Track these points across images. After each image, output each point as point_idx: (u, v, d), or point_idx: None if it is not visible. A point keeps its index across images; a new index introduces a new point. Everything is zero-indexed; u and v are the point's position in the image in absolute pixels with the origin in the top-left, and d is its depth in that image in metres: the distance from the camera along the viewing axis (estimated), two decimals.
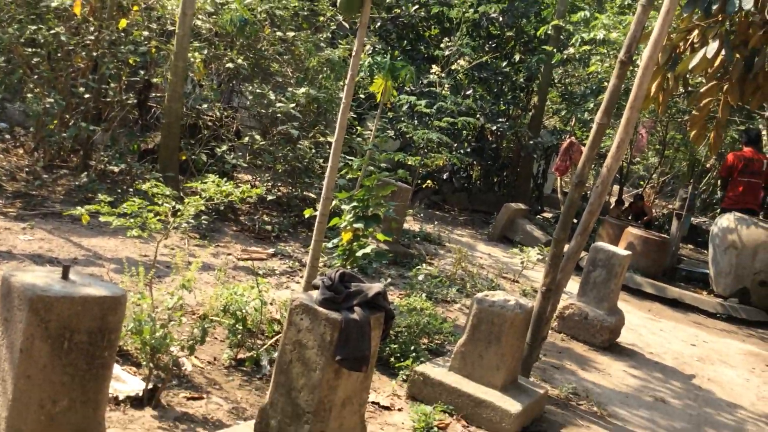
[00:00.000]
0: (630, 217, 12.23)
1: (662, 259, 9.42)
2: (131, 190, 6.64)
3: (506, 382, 4.17)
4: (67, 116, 7.24)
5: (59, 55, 7.30)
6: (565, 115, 12.77)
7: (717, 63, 5.82)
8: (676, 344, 6.61)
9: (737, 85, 6.17)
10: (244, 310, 4.12)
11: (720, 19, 5.93)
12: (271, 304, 4.53)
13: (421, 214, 10.36)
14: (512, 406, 3.93)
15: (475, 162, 12.07)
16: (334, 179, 4.56)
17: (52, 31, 6.92)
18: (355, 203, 5.00)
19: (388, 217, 5.73)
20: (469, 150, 11.18)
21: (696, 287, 9.28)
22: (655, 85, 6.20)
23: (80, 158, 7.37)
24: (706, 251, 10.81)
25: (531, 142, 11.99)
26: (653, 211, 14.61)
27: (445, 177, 12.35)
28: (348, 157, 6.42)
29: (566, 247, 4.76)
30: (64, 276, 2.48)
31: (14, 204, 5.95)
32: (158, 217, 3.84)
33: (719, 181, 11.15)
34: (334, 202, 5.30)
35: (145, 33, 7.60)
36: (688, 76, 6.31)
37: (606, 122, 4.71)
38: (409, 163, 7.86)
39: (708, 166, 15.62)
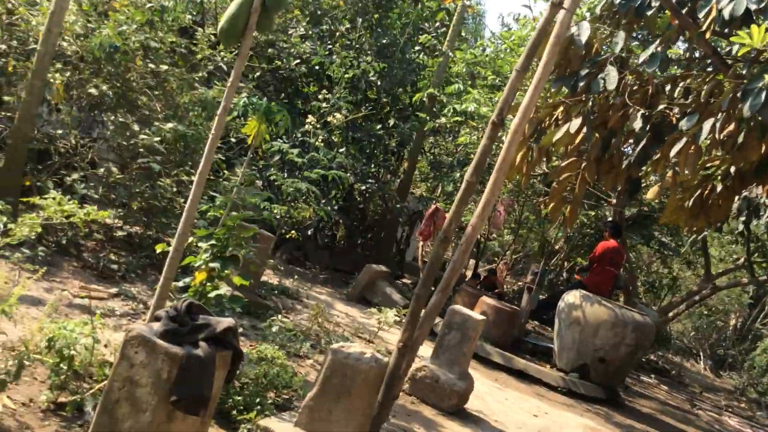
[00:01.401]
0: (484, 290, 12.60)
1: (511, 330, 9.71)
2: None
3: None
4: None
5: None
6: (431, 183, 13.14)
7: (578, 140, 6.19)
8: (520, 414, 6.72)
9: (594, 163, 6.59)
10: (72, 349, 3.69)
11: (584, 98, 6.36)
12: (105, 345, 4.10)
13: (282, 268, 10.10)
14: None
15: (340, 221, 12.03)
16: (194, 213, 4.29)
17: None
18: (213, 241, 4.72)
19: (247, 261, 5.47)
20: (336, 207, 11.15)
21: (540, 360, 9.59)
22: (519, 156, 6.48)
23: None
24: (550, 328, 11.29)
25: (398, 206, 12.17)
26: (504, 286, 15.19)
27: (309, 233, 12.20)
28: (219, 196, 6.12)
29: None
30: None
31: None
32: None
33: (586, 264, 11.73)
34: (190, 239, 5.00)
35: (3, 46, 7.01)
36: (551, 150, 6.65)
37: (475, 180, 4.79)
38: (275, 212, 7.66)
39: (557, 247, 16.56)
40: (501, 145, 4.98)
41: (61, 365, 3.63)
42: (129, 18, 8.04)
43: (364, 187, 11.45)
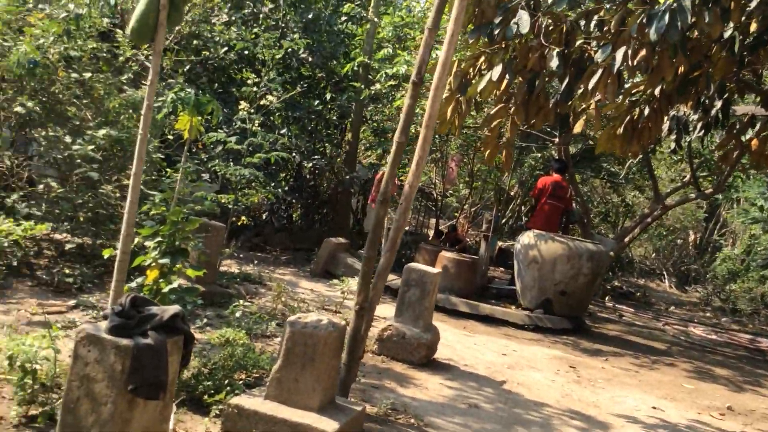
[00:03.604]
0: (448, 246, 12.86)
1: (474, 280, 9.97)
2: None
3: (323, 403, 4.15)
4: None
5: None
6: (376, 150, 13.26)
7: (503, 86, 6.36)
8: (489, 355, 6.98)
9: (522, 107, 6.78)
10: (33, 362, 3.76)
11: (504, 45, 6.51)
12: (69, 356, 4.17)
13: (241, 255, 10.17)
14: (329, 425, 3.91)
15: (294, 201, 12.11)
16: (134, 214, 4.37)
17: None
18: (159, 238, 4.80)
19: (197, 252, 5.56)
20: (287, 188, 11.22)
21: (506, 303, 9.89)
22: (449, 109, 6.63)
23: None
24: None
25: (347, 177, 12.29)
26: (467, 239, 15.48)
27: (264, 218, 12.26)
28: (158, 194, 6.15)
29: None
30: None
31: None
32: None
33: (532, 202, 12.04)
34: (136, 240, 5.06)
35: None
36: (478, 99, 6.80)
37: (404, 140, 4.94)
38: (223, 201, 7.72)
39: (512, 193, 16.89)
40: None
41: (26, 380, 3.70)
42: (45, 31, 7.92)
43: (311, 164, 11.52)
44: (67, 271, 6.74)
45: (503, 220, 16.66)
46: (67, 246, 6.82)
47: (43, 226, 3.87)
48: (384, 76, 10.82)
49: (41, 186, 7.17)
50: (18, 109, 7.41)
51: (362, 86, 11.72)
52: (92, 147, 7.11)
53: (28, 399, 3.71)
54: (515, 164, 14.64)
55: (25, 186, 7.23)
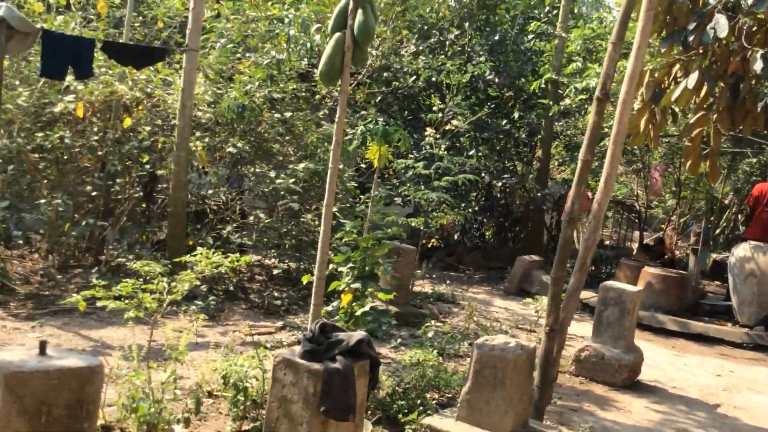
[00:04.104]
0: (654, 261, 12.07)
1: (683, 296, 9.25)
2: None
3: (516, 426, 4.09)
4: (77, 216, 7.47)
5: (66, 157, 7.59)
6: (570, 165, 12.86)
7: (703, 93, 5.90)
8: (702, 377, 6.43)
9: (726, 112, 6.22)
10: (244, 381, 4.12)
11: (701, 51, 6.05)
12: None
13: (435, 275, 10.35)
14: None
15: (486, 220, 12.11)
16: (327, 242, 4.65)
17: (57, 135, 7.23)
18: (351, 264, 5.06)
19: (387, 276, 5.77)
20: (477, 209, 11.26)
21: (721, 320, 9.04)
22: (643, 121, 6.26)
23: (92, 255, 7.56)
24: None
25: (539, 194, 12.06)
26: (675, 252, 14.43)
27: (456, 237, 12.38)
28: (350, 222, 6.50)
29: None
30: (42, 352, 2.52)
31: (25, 305, 6.09)
32: (153, 296, 3.91)
33: (747, 211, 11.01)
34: (331, 266, 5.37)
35: (147, 128, 7.89)
36: (675, 109, 6.37)
37: (590, 158, 4.78)
38: (413, 224, 7.94)
39: (726, 202, 15.48)
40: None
41: (239, 397, 4.07)
42: (251, 77, 8.74)
43: (501, 183, 11.45)
44: (275, 294, 7.33)
45: (717, 231, 15.29)
46: (275, 271, 7.40)
47: (247, 258, 4.25)
48: (573, 90, 10.51)
49: (251, 217, 7.89)
50: (230, 149, 8.23)
51: (551, 102, 11.49)
52: (293, 180, 7.68)
53: (240, 415, 4.07)
54: (728, 171, 13.38)
55: (238, 218, 7.98)
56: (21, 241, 7.94)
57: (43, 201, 7.28)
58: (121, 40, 7.94)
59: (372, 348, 3.09)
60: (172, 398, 3.58)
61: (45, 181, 7.45)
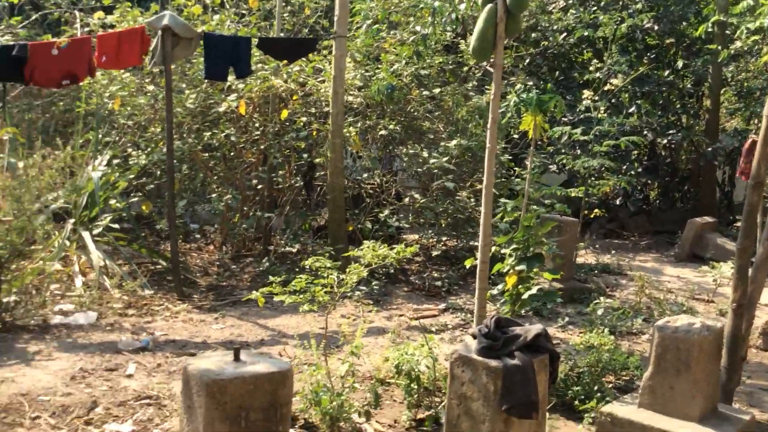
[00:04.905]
0: None
1: None
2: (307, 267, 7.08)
3: (704, 411, 3.82)
4: (246, 208, 7.91)
5: (232, 154, 8.03)
6: (744, 113, 11.76)
7: None
8: None
9: None
10: (416, 369, 4.17)
11: None
12: (446, 359, 4.54)
13: (597, 245, 9.92)
14: None
15: (650, 181, 11.40)
16: (489, 225, 4.55)
17: (224, 133, 7.66)
18: (515, 245, 4.94)
19: (552, 255, 5.57)
20: (641, 170, 10.62)
21: None
22: None
23: (261, 245, 7.99)
24: None
25: (709, 149, 11.14)
26: None
27: (618, 203, 11.77)
28: (509, 201, 6.35)
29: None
30: (236, 358, 2.67)
31: (207, 297, 6.55)
32: (325, 289, 4.05)
33: None
34: (494, 248, 5.27)
35: (304, 119, 8.15)
36: None
37: None
38: (573, 195, 7.62)
39: None
40: None
41: (412, 385, 4.13)
42: (397, 55, 8.74)
43: (665, 140, 10.71)
44: (435, 275, 7.36)
45: None
46: (434, 252, 7.42)
47: (413, 248, 4.26)
48: (745, 32, 9.52)
49: (406, 199, 7.95)
50: (382, 132, 8.31)
51: (719, 47, 10.50)
52: (446, 158, 7.62)
53: (415, 403, 4.12)
54: None
55: (393, 200, 8.07)
56: (198, 235, 8.54)
57: (214, 195, 7.79)
58: (272, 33, 8.22)
59: (550, 341, 2.99)
60: (351, 390, 3.69)
61: (215, 178, 7.94)
